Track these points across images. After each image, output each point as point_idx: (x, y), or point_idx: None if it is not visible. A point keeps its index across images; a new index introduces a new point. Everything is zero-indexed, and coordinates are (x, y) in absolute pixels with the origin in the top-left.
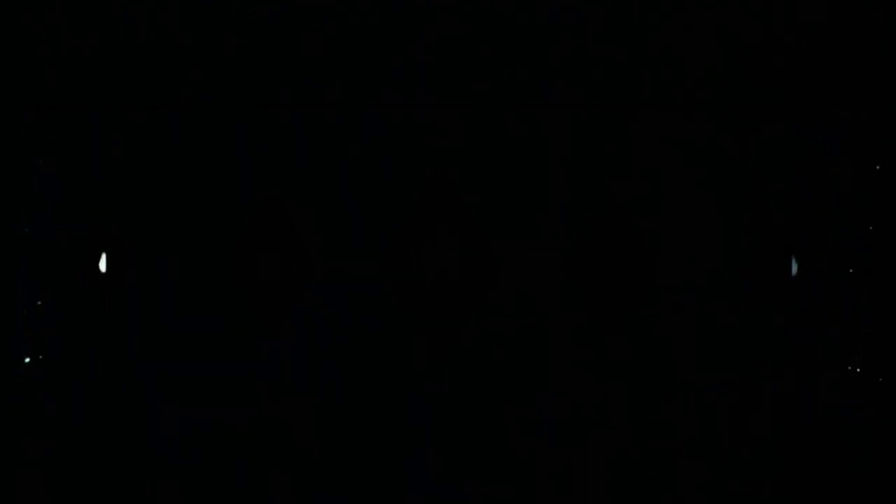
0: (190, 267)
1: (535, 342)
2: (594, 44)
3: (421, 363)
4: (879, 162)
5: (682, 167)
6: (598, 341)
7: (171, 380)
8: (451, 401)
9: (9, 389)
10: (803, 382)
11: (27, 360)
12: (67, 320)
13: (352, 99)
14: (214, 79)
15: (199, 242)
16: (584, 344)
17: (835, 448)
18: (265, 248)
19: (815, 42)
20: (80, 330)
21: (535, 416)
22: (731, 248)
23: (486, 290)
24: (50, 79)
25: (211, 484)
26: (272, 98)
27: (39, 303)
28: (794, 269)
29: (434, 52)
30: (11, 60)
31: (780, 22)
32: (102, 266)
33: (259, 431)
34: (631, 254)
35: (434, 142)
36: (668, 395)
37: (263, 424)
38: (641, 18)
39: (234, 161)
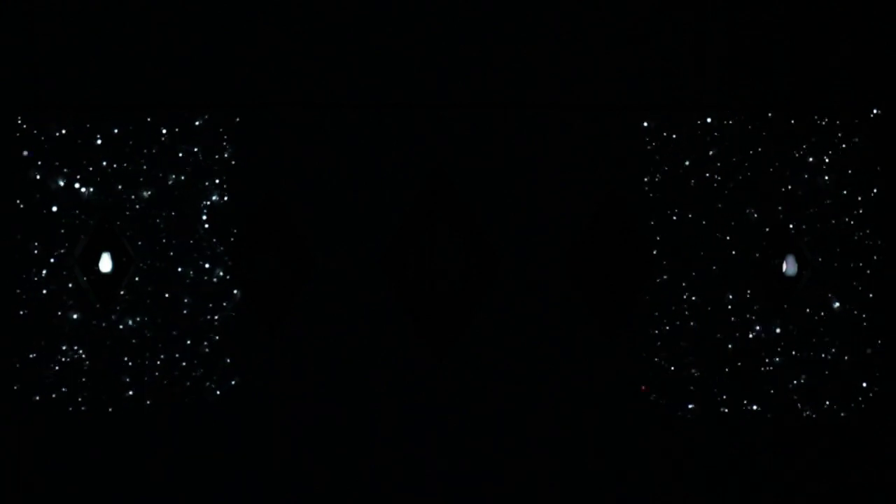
0: (190, 267)
1: (535, 341)
2: (595, 45)
3: (421, 362)
4: (880, 162)
5: (681, 167)
6: (597, 340)
7: (171, 376)
8: (450, 399)
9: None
10: (802, 380)
11: (31, 355)
12: (67, 319)
13: (352, 99)
14: (214, 80)
15: (198, 242)
16: (583, 342)
17: (834, 446)
18: (265, 247)
19: (813, 43)
20: (79, 328)
21: (535, 414)
22: (731, 247)
23: (487, 289)
24: (50, 80)
25: (209, 479)
26: (272, 98)
27: (45, 292)
28: (794, 268)
29: (435, 53)
30: (12, 62)
31: (778, 24)
32: (103, 265)
33: (259, 429)
34: (631, 252)
35: (434, 142)
36: (668, 393)
37: (264, 422)
38: (641, 21)
39: (234, 161)
